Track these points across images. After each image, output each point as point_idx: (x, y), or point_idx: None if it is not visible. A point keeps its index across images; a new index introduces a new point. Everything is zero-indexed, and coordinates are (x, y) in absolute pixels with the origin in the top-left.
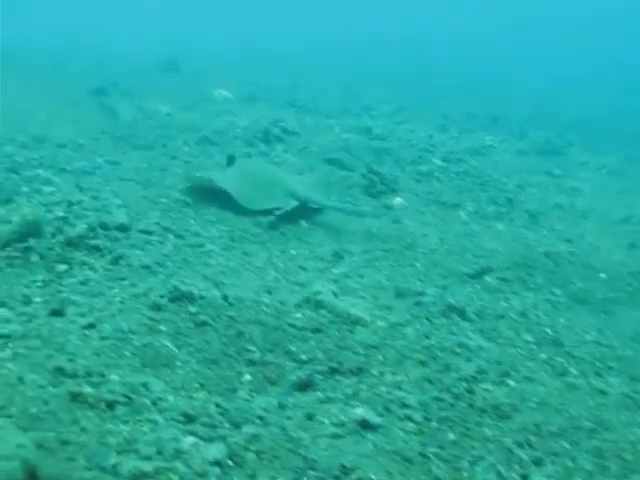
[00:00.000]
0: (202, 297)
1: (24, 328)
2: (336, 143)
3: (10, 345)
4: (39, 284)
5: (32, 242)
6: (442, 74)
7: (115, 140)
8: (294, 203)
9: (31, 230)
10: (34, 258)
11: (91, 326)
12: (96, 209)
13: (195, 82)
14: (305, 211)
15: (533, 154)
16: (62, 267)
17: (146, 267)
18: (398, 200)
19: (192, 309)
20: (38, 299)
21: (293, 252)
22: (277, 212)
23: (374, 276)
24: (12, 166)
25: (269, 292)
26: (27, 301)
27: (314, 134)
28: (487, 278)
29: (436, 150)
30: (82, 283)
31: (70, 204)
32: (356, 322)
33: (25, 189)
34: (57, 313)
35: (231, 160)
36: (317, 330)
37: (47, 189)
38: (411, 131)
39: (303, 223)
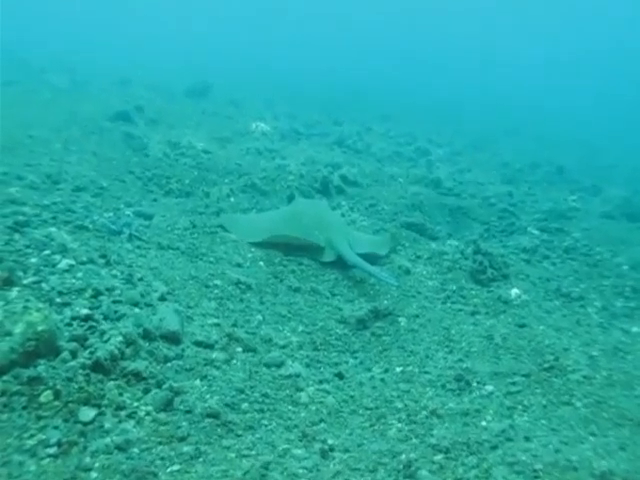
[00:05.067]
0: None
1: None
2: (405, 199)
3: None
4: (52, 451)
5: (42, 368)
6: (474, 111)
7: (144, 182)
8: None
9: (41, 347)
10: (45, 396)
11: None
12: (133, 301)
13: (228, 110)
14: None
15: (621, 218)
16: (88, 414)
17: (214, 416)
18: (515, 292)
19: None
20: None
21: (398, 370)
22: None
23: (540, 434)
24: (17, 221)
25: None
26: None
27: (378, 185)
28: None
29: (519, 212)
30: (120, 449)
31: (97, 293)
32: None
33: (34, 260)
34: None
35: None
36: None
37: (63, 262)
38: (481, 184)
39: (401, 320)
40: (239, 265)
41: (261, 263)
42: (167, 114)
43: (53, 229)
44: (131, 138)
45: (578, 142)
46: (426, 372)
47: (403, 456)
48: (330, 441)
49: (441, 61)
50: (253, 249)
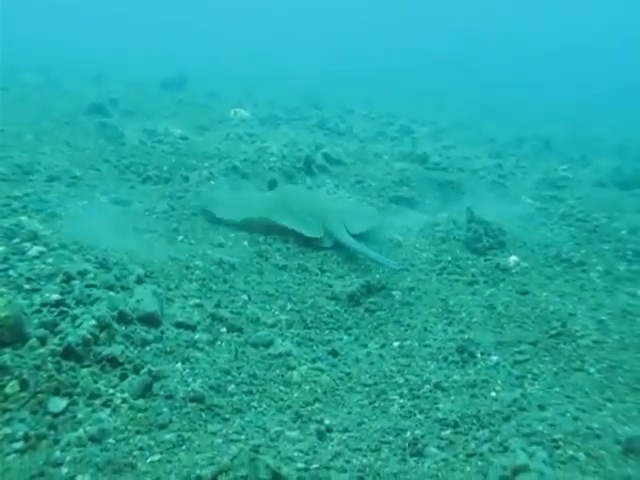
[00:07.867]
0: None
1: None
2: (391, 175)
3: None
4: (19, 446)
5: (7, 356)
6: (452, 90)
7: (121, 171)
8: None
9: (5, 334)
10: (11, 387)
11: None
12: (108, 284)
13: (206, 100)
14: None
15: (613, 186)
16: (59, 404)
17: (198, 400)
18: (513, 259)
19: None
20: None
21: (396, 345)
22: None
23: (554, 402)
24: None
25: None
26: None
27: (362, 163)
28: None
29: (510, 183)
30: (95, 440)
31: (68, 277)
32: None
33: (1, 248)
34: None
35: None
36: None
37: (33, 249)
38: (468, 158)
39: (395, 294)
40: (221, 245)
41: (245, 243)
42: (143, 106)
43: (24, 218)
44: (105, 128)
45: (562, 118)
46: (426, 345)
47: (408, 433)
48: (327, 421)
49: (417, 44)
50: (236, 230)
